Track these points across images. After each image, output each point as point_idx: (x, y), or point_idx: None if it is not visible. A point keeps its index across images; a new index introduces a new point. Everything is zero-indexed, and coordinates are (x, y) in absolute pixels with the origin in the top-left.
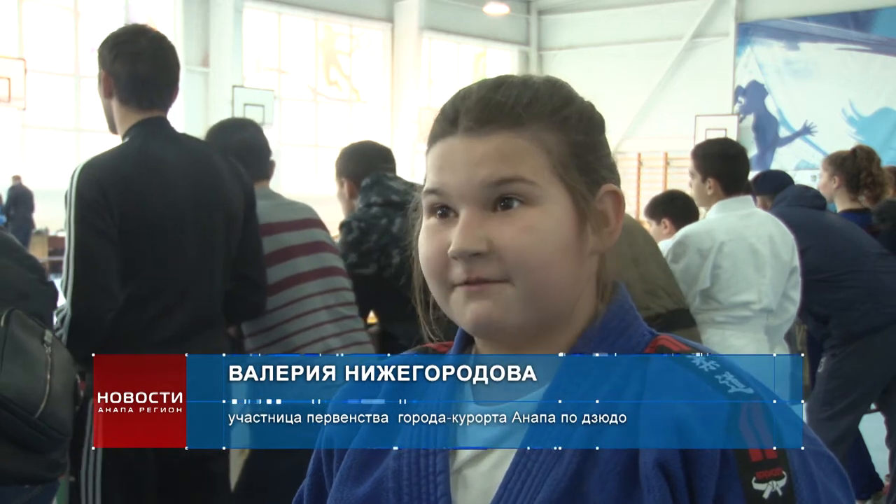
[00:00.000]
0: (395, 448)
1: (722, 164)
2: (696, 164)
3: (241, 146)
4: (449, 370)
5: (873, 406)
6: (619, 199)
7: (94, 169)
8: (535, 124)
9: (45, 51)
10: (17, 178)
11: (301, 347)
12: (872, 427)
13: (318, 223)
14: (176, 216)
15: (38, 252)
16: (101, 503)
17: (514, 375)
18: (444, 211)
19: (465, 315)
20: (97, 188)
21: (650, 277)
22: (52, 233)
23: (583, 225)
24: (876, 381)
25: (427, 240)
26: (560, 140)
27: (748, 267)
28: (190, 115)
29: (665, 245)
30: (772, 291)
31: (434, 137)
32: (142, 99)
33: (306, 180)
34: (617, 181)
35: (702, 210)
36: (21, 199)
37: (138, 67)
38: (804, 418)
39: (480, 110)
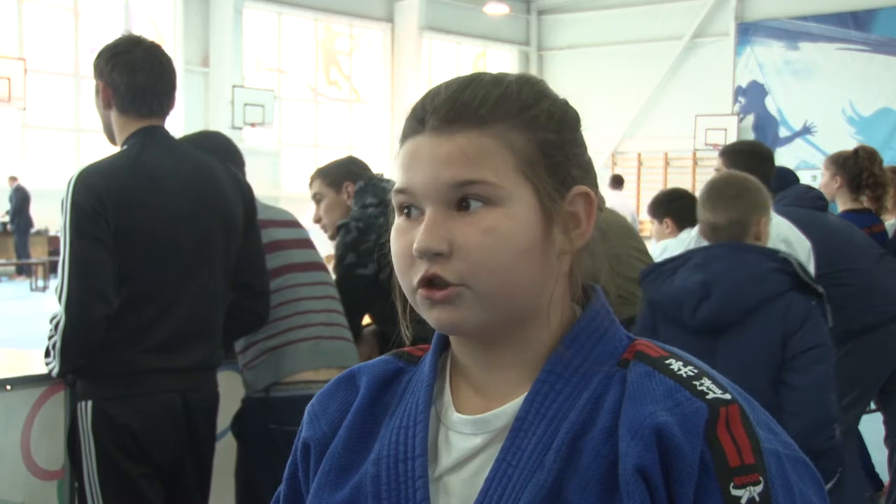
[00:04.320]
0: (374, 453)
1: (755, 162)
2: (725, 161)
3: (222, 150)
4: (427, 376)
5: (873, 406)
6: (590, 200)
7: (90, 177)
8: (502, 124)
9: (45, 51)
10: (14, 180)
11: (289, 331)
12: (872, 427)
13: (301, 225)
14: (171, 224)
15: (39, 252)
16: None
17: (492, 382)
18: (411, 210)
19: (429, 318)
20: (93, 196)
21: (633, 274)
22: (51, 233)
23: (549, 225)
24: (872, 380)
25: (395, 240)
26: (528, 139)
27: None
28: (190, 115)
29: (671, 242)
30: None
31: (404, 136)
32: (140, 108)
33: (306, 180)
34: (592, 181)
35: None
36: (24, 201)
37: (136, 77)
38: None
39: (447, 110)
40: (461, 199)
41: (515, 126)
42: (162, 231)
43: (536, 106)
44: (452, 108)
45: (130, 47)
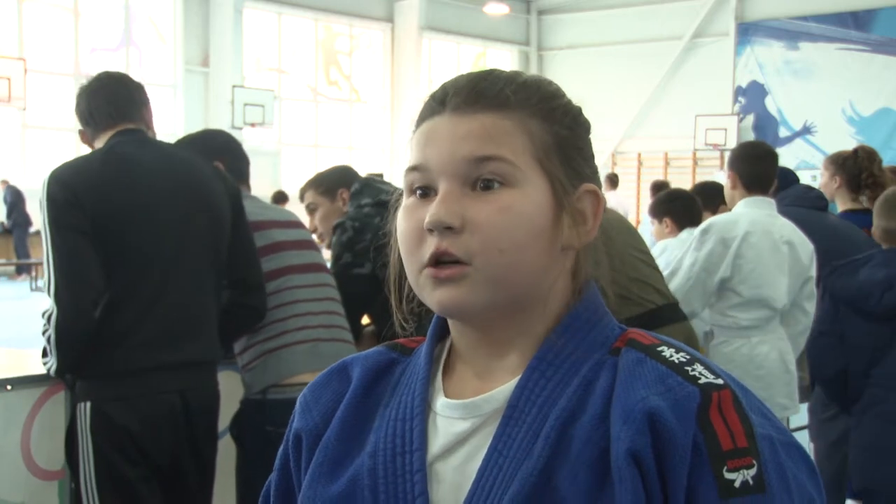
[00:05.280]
0: (370, 446)
1: (743, 162)
2: (727, 162)
3: (225, 148)
4: (422, 366)
5: None
6: (598, 199)
7: (62, 172)
8: (522, 110)
9: (45, 51)
10: (5, 183)
11: (287, 333)
12: None
13: (303, 225)
14: (150, 213)
15: (38, 252)
16: None
17: (487, 369)
18: (424, 191)
19: (432, 298)
20: (66, 188)
21: (635, 273)
22: None
23: (559, 215)
24: None
25: (405, 218)
26: (545, 129)
27: (771, 262)
28: (190, 115)
29: (671, 242)
30: (787, 294)
31: (421, 118)
32: (98, 123)
33: (306, 181)
34: (598, 183)
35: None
36: (19, 199)
37: (81, 106)
38: (807, 420)
39: (469, 91)
40: (478, 178)
41: (535, 114)
42: (141, 221)
43: (554, 100)
44: (475, 90)
45: (86, 88)
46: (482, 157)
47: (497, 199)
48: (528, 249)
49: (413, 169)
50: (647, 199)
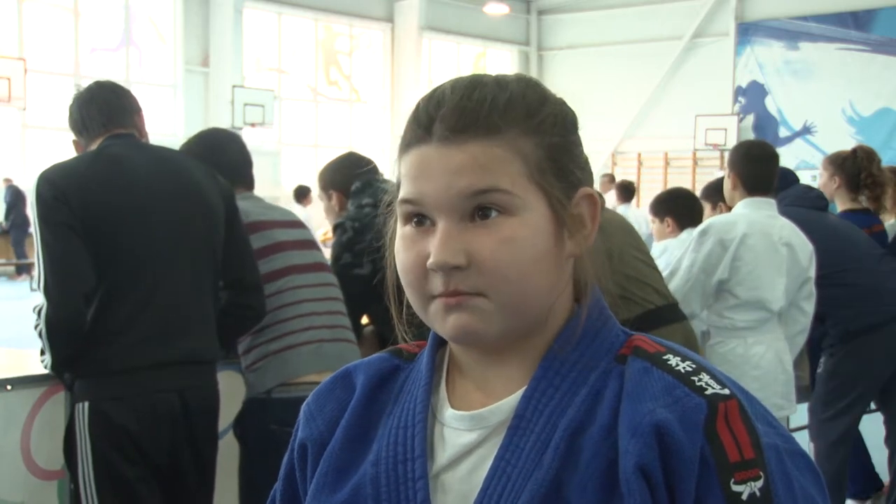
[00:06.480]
0: (373, 454)
1: (746, 163)
2: (727, 161)
3: (226, 147)
4: (424, 374)
5: (873, 406)
6: (594, 202)
7: (51, 173)
8: (511, 130)
9: (45, 51)
10: (8, 181)
11: (292, 334)
12: (872, 427)
13: (305, 225)
14: (144, 215)
15: (34, 253)
16: None
17: (490, 379)
18: (421, 219)
19: (444, 326)
20: (54, 187)
21: (634, 273)
22: None
23: (560, 231)
24: (873, 380)
25: (405, 250)
26: (536, 144)
27: (769, 264)
28: (190, 115)
29: (671, 242)
30: (784, 296)
31: (407, 144)
32: (91, 131)
33: (306, 180)
34: (590, 179)
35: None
36: (18, 198)
37: (74, 116)
38: (806, 420)
39: (456, 118)
40: (476, 209)
41: (524, 132)
42: (131, 217)
43: (542, 110)
44: (462, 117)
45: (77, 98)
46: (479, 191)
47: (498, 230)
48: (535, 274)
49: (407, 201)
50: (645, 200)
